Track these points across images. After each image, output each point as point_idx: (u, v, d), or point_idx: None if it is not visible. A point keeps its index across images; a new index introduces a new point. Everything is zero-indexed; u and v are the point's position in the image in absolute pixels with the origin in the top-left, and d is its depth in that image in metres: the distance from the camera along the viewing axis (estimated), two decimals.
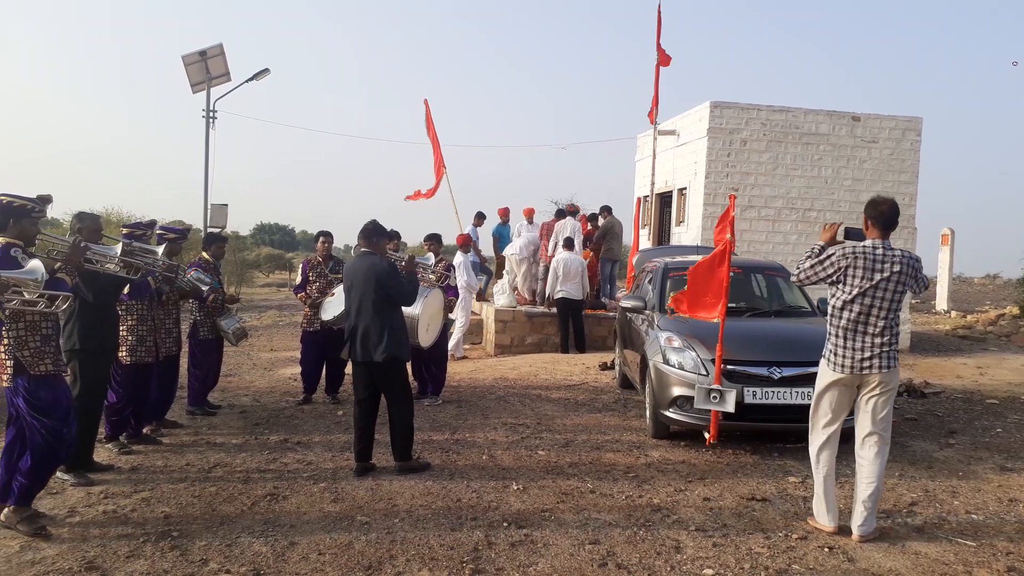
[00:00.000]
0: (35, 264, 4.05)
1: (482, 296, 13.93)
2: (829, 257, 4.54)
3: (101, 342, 5.55)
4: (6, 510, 4.41)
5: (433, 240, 8.78)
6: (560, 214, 13.59)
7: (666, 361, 6.60)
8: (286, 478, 5.59)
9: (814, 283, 4.70)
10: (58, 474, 5.22)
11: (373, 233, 5.87)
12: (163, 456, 6.13)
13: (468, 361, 11.58)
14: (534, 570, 4.05)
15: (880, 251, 4.45)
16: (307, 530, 4.57)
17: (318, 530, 4.57)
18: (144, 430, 6.59)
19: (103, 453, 6.00)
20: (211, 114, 19.80)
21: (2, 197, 4.39)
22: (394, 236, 7.45)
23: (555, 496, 5.24)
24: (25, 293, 4.13)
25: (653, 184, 14.56)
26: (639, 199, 16.38)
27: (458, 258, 11.38)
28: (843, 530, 4.58)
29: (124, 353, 6.11)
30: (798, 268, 4.74)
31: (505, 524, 4.69)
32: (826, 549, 4.39)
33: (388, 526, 4.64)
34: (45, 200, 4.58)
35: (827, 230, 4.76)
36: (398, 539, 4.44)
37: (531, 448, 6.50)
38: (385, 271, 5.69)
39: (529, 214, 14.32)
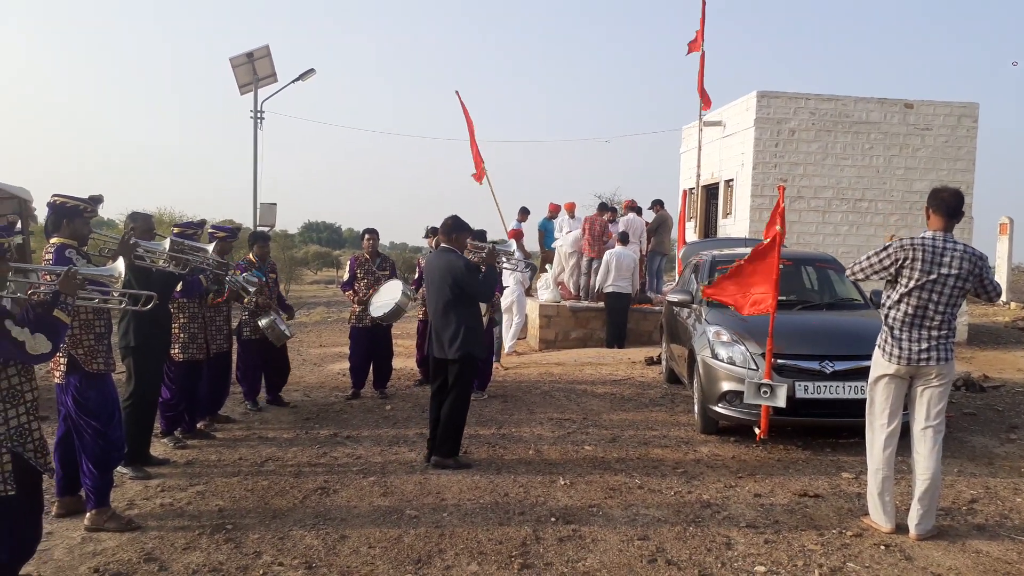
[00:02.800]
0: (118, 263, 4.15)
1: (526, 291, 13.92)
2: (886, 249, 4.41)
3: (156, 339, 5.66)
4: (90, 514, 4.51)
5: (429, 234, 9.01)
6: (603, 208, 13.51)
7: (715, 355, 6.52)
8: (336, 472, 5.66)
9: (870, 277, 4.54)
10: (118, 468, 5.36)
11: (454, 228, 5.90)
12: (217, 450, 6.27)
13: (513, 356, 11.58)
14: (583, 565, 4.03)
15: (941, 243, 4.30)
16: (357, 523, 4.62)
17: (368, 523, 4.62)
18: (198, 425, 6.74)
19: (159, 447, 6.15)
20: (258, 115, 20.14)
21: (55, 198, 4.50)
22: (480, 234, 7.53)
23: (603, 491, 5.22)
24: (113, 292, 4.23)
25: (699, 176, 14.39)
26: (684, 191, 16.21)
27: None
28: (900, 529, 4.47)
29: (176, 350, 6.25)
30: (854, 262, 4.62)
31: (553, 519, 4.68)
32: (882, 547, 4.28)
33: (436, 520, 4.67)
34: (96, 200, 4.69)
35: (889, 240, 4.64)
36: (447, 533, 4.46)
37: (577, 443, 6.48)
38: (461, 269, 5.72)
39: (571, 208, 14.26)
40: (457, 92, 13.71)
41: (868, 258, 4.49)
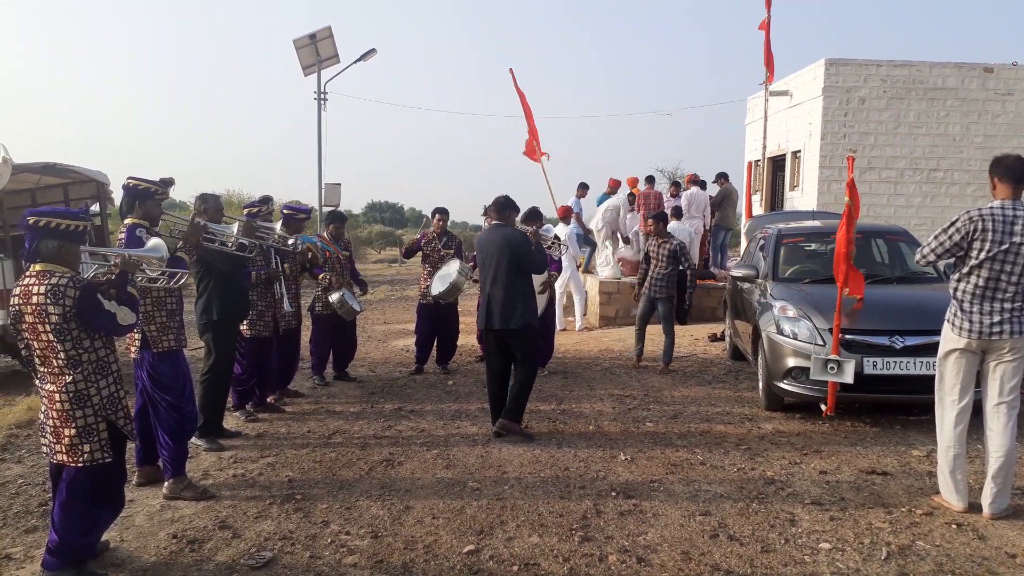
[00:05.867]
0: (158, 242, 4.27)
1: (586, 268, 13.85)
2: (953, 224, 4.23)
3: (233, 315, 5.85)
4: (168, 483, 4.73)
5: (487, 212, 8.93)
6: (650, 180, 13.37)
7: (780, 331, 6.40)
8: (401, 444, 5.79)
9: (942, 257, 4.33)
10: (193, 439, 5.59)
11: (505, 206, 6.13)
12: (286, 424, 6.46)
13: (573, 333, 11.59)
14: (643, 539, 4.04)
15: (1011, 211, 4.12)
16: (421, 495, 4.73)
17: (431, 495, 4.72)
18: (268, 399, 6.96)
19: (231, 421, 6.37)
20: (322, 96, 20.43)
21: (130, 180, 4.70)
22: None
23: (664, 467, 5.21)
24: (148, 270, 4.38)
25: (765, 148, 14.03)
26: (750, 164, 15.86)
27: (560, 231, 11.31)
28: (973, 508, 4.34)
29: (244, 326, 6.44)
30: (923, 245, 4.41)
31: (613, 493, 4.70)
32: (954, 526, 4.17)
33: (498, 492, 4.74)
34: (167, 183, 4.87)
35: None
36: (508, 505, 4.52)
37: (638, 419, 6.46)
38: (520, 241, 5.93)
39: (632, 183, 14.11)
40: (511, 71, 13.55)
41: (936, 238, 4.30)
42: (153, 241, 4.24)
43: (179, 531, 4.21)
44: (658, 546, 3.97)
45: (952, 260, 4.39)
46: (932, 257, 4.36)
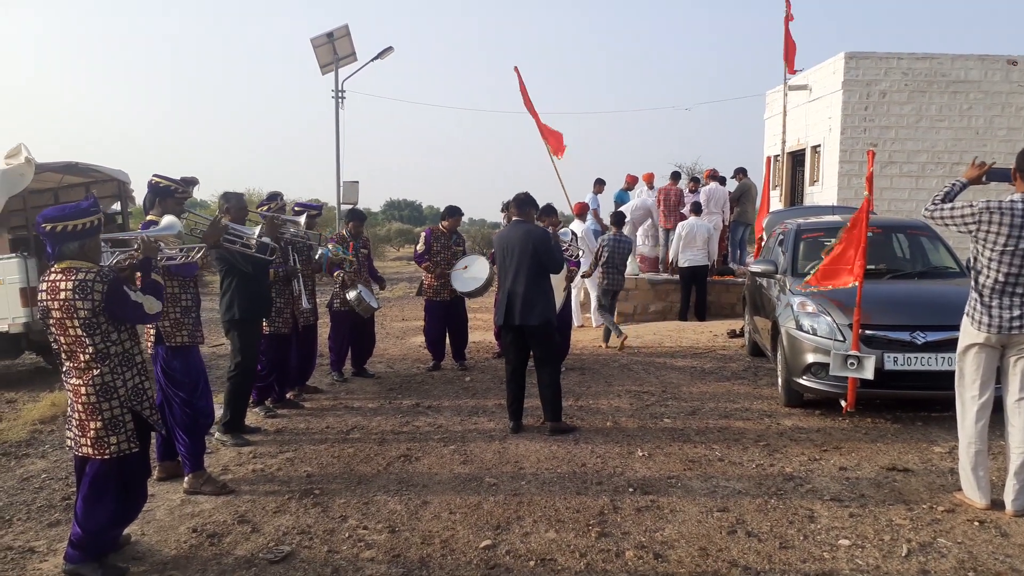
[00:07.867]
0: (171, 219, 4.25)
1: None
2: (971, 205, 4.18)
3: (257, 312, 5.89)
4: (187, 478, 4.78)
5: (507, 208, 8.92)
6: (675, 176, 13.29)
7: (799, 327, 6.35)
8: (418, 440, 5.81)
9: (946, 225, 4.33)
10: (216, 435, 5.65)
11: (526, 203, 6.15)
12: (305, 419, 6.51)
13: (590, 329, 11.56)
14: (661, 535, 4.03)
15: None
16: (438, 490, 4.74)
17: (449, 490, 4.73)
18: (287, 395, 7.01)
19: (251, 417, 6.41)
20: (340, 94, 20.51)
21: (154, 178, 4.74)
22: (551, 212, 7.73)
23: (682, 463, 5.19)
24: (166, 248, 4.39)
25: (784, 142, 13.93)
26: (769, 158, 15.73)
27: (576, 227, 11.27)
28: (995, 504, 4.28)
29: (264, 324, 6.47)
30: (932, 203, 4.39)
31: (631, 489, 4.69)
32: (976, 523, 4.12)
33: (515, 488, 4.74)
34: (190, 182, 4.92)
35: (974, 167, 4.40)
36: (525, 501, 4.52)
37: (656, 415, 6.44)
38: (543, 238, 5.96)
39: (649, 179, 14.04)
40: (516, 68, 13.42)
41: (954, 207, 4.26)
42: (167, 219, 4.24)
43: (199, 525, 4.25)
44: (675, 542, 3.95)
45: (971, 250, 4.34)
46: (940, 222, 4.36)
